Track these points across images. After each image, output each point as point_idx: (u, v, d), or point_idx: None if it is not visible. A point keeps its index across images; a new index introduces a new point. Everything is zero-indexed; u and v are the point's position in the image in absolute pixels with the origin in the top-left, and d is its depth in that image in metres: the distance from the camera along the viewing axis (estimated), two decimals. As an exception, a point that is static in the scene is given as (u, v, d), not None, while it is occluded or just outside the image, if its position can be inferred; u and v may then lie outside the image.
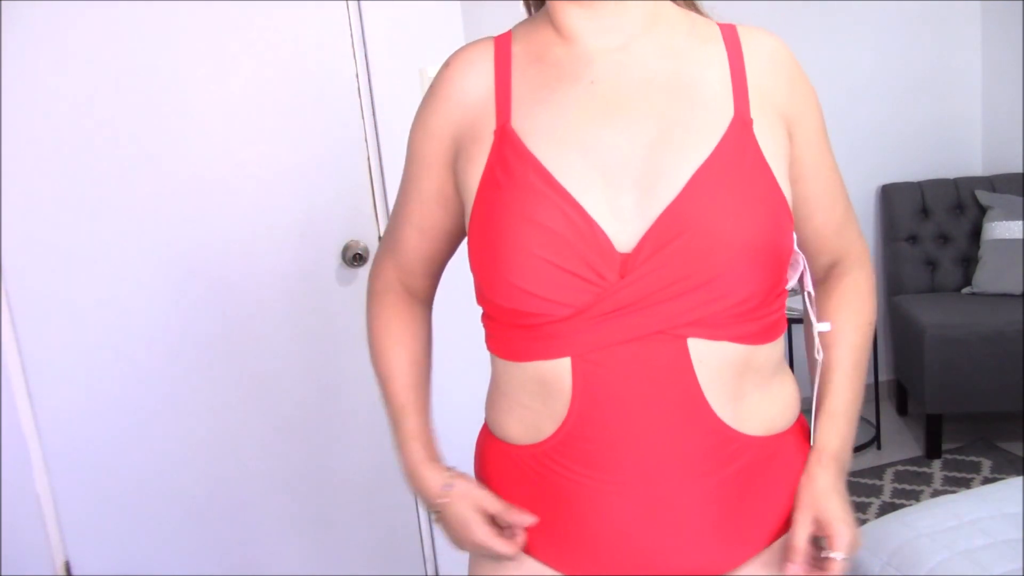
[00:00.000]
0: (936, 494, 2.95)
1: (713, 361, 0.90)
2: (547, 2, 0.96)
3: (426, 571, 2.36)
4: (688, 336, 0.89)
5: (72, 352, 2.07)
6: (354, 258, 2.19)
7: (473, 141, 0.95)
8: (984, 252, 3.37)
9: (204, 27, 2.04)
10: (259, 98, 2.11)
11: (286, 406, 2.24)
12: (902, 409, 3.63)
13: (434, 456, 1.07)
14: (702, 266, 0.86)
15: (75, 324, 2.06)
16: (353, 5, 2.13)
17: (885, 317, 3.71)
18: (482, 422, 1.08)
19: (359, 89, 2.16)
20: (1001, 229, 3.36)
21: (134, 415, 2.13)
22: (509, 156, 0.91)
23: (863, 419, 3.52)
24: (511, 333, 0.94)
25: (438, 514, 1.04)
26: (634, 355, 0.89)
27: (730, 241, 0.86)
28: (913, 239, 3.55)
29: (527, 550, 1.00)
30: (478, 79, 0.97)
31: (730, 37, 0.97)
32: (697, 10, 1.03)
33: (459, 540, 1.03)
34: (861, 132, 3.63)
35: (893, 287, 3.59)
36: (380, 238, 2.22)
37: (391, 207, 2.20)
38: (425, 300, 1.13)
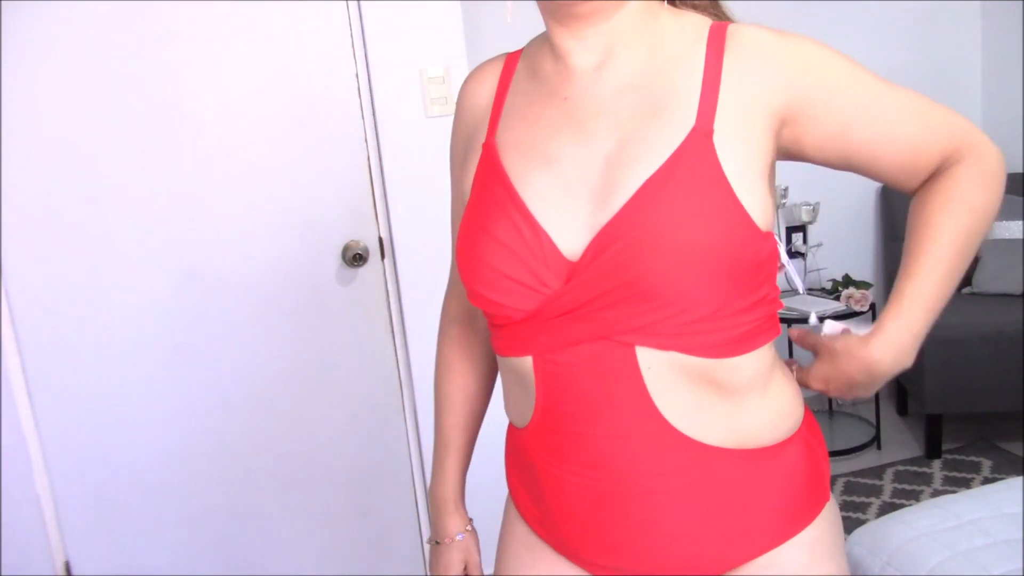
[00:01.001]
0: (936, 494, 2.95)
1: (662, 370, 0.90)
2: (542, 17, 0.98)
3: (425, 570, 2.36)
4: (635, 344, 0.89)
5: (72, 352, 2.07)
6: (354, 258, 2.19)
7: (470, 153, 1.02)
8: (984, 252, 3.37)
9: (204, 27, 2.04)
10: (259, 98, 2.11)
11: (286, 406, 2.24)
12: (902, 409, 3.63)
13: (461, 497, 1.19)
14: (644, 272, 0.85)
15: (75, 324, 2.06)
16: (353, 5, 2.13)
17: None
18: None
19: (359, 89, 2.16)
20: (1001, 229, 3.36)
21: (134, 415, 2.13)
22: (486, 170, 0.98)
23: (863, 419, 3.52)
24: (492, 331, 1.01)
25: (438, 545, 1.18)
26: (587, 356, 0.92)
27: (670, 248, 0.85)
28: (913, 239, 3.54)
29: (528, 521, 1.09)
30: (483, 93, 1.04)
31: (716, 40, 0.93)
32: (719, 10, 1.03)
33: (436, 571, 1.19)
34: (861, 132, 3.62)
35: (893, 287, 3.58)
36: (380, 238, 2.22)
37: (391, 207, 2.21)
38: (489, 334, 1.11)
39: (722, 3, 1.04)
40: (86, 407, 2.09)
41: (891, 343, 0.96)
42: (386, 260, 2.25)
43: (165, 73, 2.04)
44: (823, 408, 3.69)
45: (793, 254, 3.55)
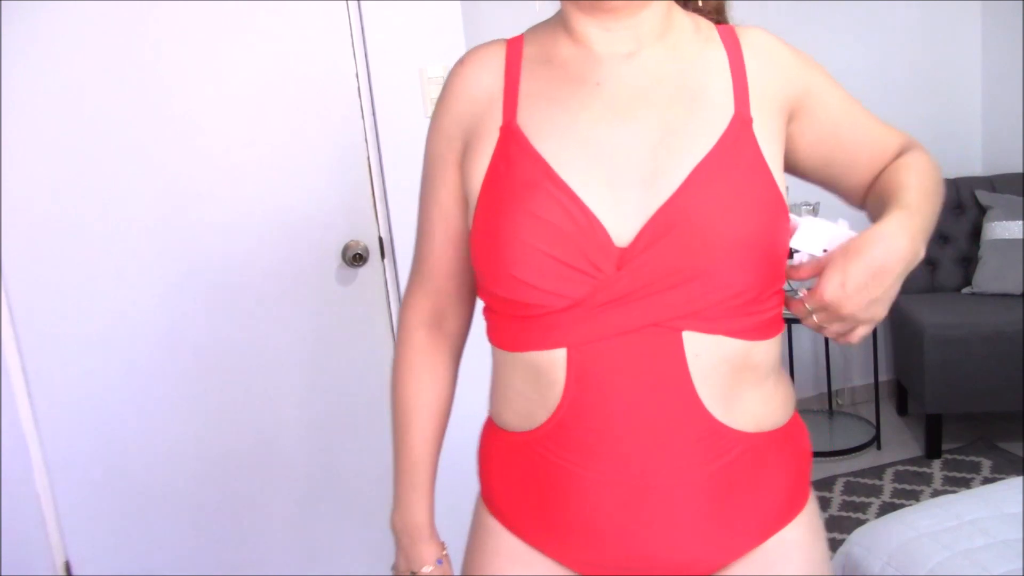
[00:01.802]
0: (936, 494, 2.95)
1: (708, 355, 0.92)
2: (563, 5, 0.98)
3: (426, 571, 2.36)
4: (683, 329, 0.90)
5: (72, 352, 2.07)
6: (354, 258, 2.19)
7: (479, 137, 0.97)
8: (984, 252, 3.37)
9: (204, 27, 2.04)
10: (259, 98, 2.11)
11: (286, 406, 2.24)
12: (902, 409, 3.63)
13: (433, 521, 1.12)
14: (696, 258, 0.88)
15: (75, 324, 2.06)
16: (353, 5, 2.13)
17: (885, 317, 3.71)
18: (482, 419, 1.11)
19: (359, 89, 2.16)
20: (1001, 229, 3.36)
21: (134, 415, 2.13)
22: (513, 151, 0.94)
23: (863, 419, 3.52)
24: (510, 323, 0.96)
25: (407, 570, 1.11)
26: (628, 347, 0.91)
27: (724, 234, 0.88)
28: (913, 239, 3.54)
29: (517, 532, 1.03)
30: (488, 77, 0.99)
31: (729, 38, 1.00)
32: (722, 13, 1.07)
33: None
34: (861, 132, 3.62)
35: (893, 287, 3.59)
36: (380, 238, 2.22)
37: (391, 207, 2.21)
38: (457, 340, 1.12)
39: (726, 7, 1.08)
40: (86, 407, 2.09)
41: (904, 225, 0.90)
42: (386, 260, 2.25)
43: (165, 73, 2.04)
44: (823, 408, 3.69)
45: (793, 254, 3.54)
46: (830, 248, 0.93)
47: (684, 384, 0.92)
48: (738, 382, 0.94)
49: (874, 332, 3.41)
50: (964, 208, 3.54)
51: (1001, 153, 3.72)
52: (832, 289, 0.86)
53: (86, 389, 2.09)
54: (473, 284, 1.08)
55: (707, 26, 1.01)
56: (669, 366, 0.91)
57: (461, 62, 1.03)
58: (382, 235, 2.23)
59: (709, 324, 0.91)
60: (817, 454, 3.29)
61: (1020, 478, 1.94)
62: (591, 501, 0.96)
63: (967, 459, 3.18)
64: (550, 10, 1.04)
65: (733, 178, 0.91)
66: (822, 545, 1.05)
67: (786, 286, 1.01)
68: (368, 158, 2.19)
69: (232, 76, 2.07)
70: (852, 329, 0.91)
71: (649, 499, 0.94)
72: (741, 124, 0.94)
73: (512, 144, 0.94)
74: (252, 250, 2.15)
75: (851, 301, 0.87)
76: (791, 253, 0.97)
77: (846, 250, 0.88)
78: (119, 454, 2.13)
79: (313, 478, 2.28)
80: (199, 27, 2.04)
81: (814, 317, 0.89)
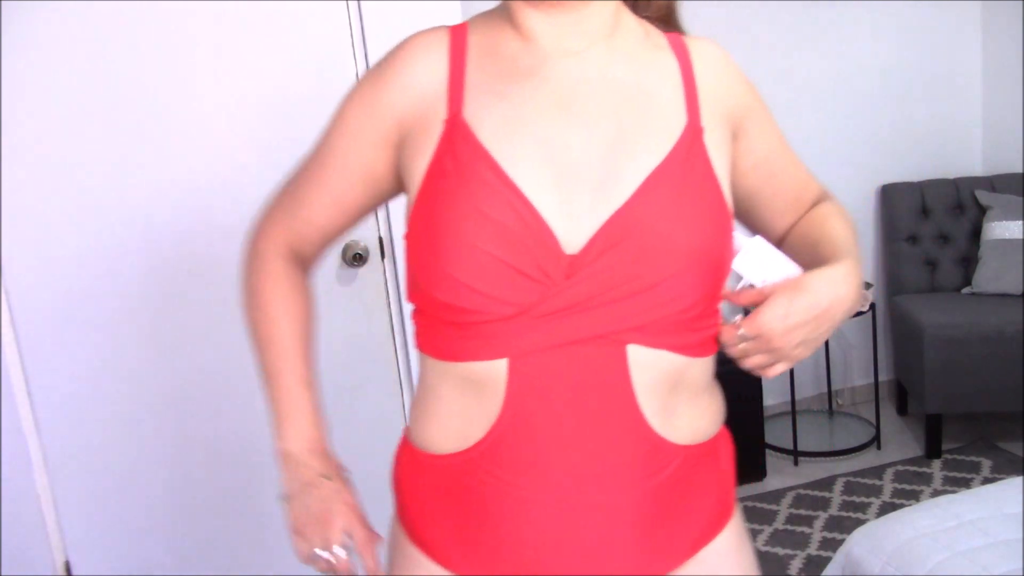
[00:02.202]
0: (936, 494, 2.95)
1: (650, 369, 0.90)
2: (506, 1, 0.95)
3: (426, 571, 2.36)
4: (628, 342, 0.88)
5: (72, 352, 2.07)
6: (354, 258, 2.19)
7: (422, 130, 0.93)
8: (984, 252, 3.37)
9: (204, 27, 2.04)
10: (259, 98, 2.11)
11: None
12: (902, 409, 3.63)
13: (326, 437, 1.04)
14: (647, 270, 0.87)
15: (75, 324, 2.06)
16: (353, 5, 2.13)
17: (885, 317, 3.71)
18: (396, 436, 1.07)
19: (359, 89, 2.16)
20: (1001, 229, 3.36)
21: (134, 415, 2.13)
22: (459, 147, 0.89)
23: (863, 419, 3.52)
24: (447, 331, 0.91)
25: (321, 482, 0.99)
26: (572, 359, 0.88)
27: (677, 247, 0.87)
28: (913, 239, 3.55)
29: (444, 562, 0.98)
30: (432, 66, 0.94)
31: (679, 47, 0.98)
32: (671, 18, 1.04)
33: (310, 524, 0.98)
34: (861, 132, 3.63)
35: (893, 287, 3.59)
36: (380, 238, 2.22)
37: (391, 207, 2.21)
38: (311, 269, 1.08)
39: (677, 16, 1.05)
40: (86, 407, 2.09)
41: (851, 274, 0.94)
42: (386, 260, 2.25)
43: (165, 73, 2.04)
44: (823, 408, 3.69)
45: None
46: (770, 279, 0.95)
47: (627, 398, 0.90)
48: (677, 397, 0.93)
49: (874, 332, 3.41)
50: (964, 208, 3.54)
51: (1001, 153, 3.72)
52: (773, 320, 0.88)
53: (86, 389, 2.09)
54: (340, 238, 1.05)
55: (655, 32, 0.99)
56: (612, 379, 0.89)
57: (403, 47, 0.97)
58: (382, 235, 2.23)
59: (654, 338, 0.89)
60: (817, 454, 3.29)
61: (1020, 478, 1.94)
62: (527, 522, 0.92)
63: (967, 459, 3.18)
64: None
65: (686, 189, 0.89)
66: (750, 549, 1.07)
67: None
68: (368, 158, 2.19)
69: (232, 76, 2.07)
70: (771, 364, 0.93)
71: (589, 515, 0.92)
72: (693, 134, 0.92)
73: (458, 139, 0.89)
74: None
75: (786, 336, 0.89)
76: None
77: (795, 285, 0.90)
78: (119, 454, 2.13)
79: (313, 478, 2.28)
80: (199, 27, 2.04)
81: (741, 345, 0.90)
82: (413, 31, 1.00)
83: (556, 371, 0.88)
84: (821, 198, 1.10)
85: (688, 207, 0.89)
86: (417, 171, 0.92)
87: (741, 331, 0.89)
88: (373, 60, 2.14)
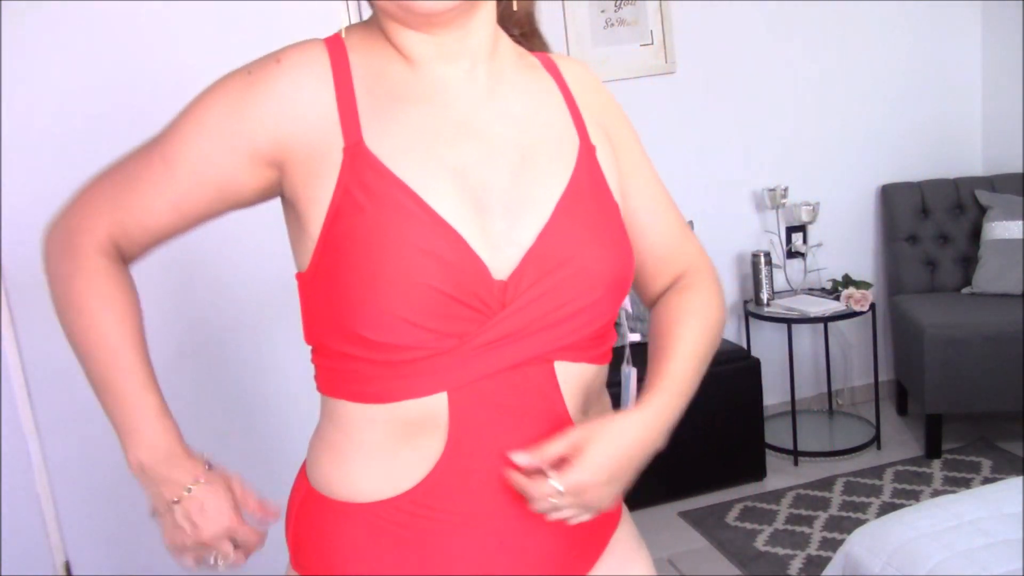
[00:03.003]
0: (936, 494, 2.95)
1: (574, 382, 0.91)
2: (381, 19, 0.90)
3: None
4: (555, 360, 0.89)
5: (72, 352, 2.07)
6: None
7: (313, 157, 0.85)
8: (984, 252, 3.37)
9: (204, 27, 2.05)
10: (259, 98, 2.11)
11: (286, 406, 2.24)
12: (902, 409, 3.63)
13: (181, 436, 0.96)
14: (575, 297, 0.88)
15: (75, 324, 2.06)
16: (353, 5, 2.13)
17: (885, 317, 3.71)
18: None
19: (359, 89, 2.17)
20: (1001, 229, 3.36)
21: (134, 415, 2.13)
22: (368, 177, 0.83)
23: (863, 419, 3.52)
24: (373, 371, 0.86)
25: (186, 499, 0.94)
26: (507, 382, 0.87)
27: (598, 273, 0.88)
28: (913, 239, 3.55)
29: None
30: (315, 86, 0.87)
31: (550, 66, 0.98)
32: (534, 37, 1.02)
33: (204, 531, 0.93)
34: (861, 132, 3.63)
35: (893, 287, 3.59)
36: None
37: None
38: (130, 265, 0.98)
39: (538, 30, 1.03)
40: (86, 407, 2.09)
41: (659, 415, 0.92)
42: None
43: (164, 73, 2.04)
44: (823, 408, 3.69)
45: (793, 254, 3.55)
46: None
47: (559, 410, 0.90)
48: (590, 402, 0.95)
49: (874, 332, 3.41)
50: (964, 208, 3.54)
51: (1001, 153, 3.72)
52: (588, 475, 0.86)
53: (86, 389, 2.08)
54: (159, 245, 0.95)
55: (525, 52, 0.98)
56: (544, 396, 0.89)
57: (280, 60, 0.88)
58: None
59: (576, 354, 0.90)
60: (817, 454, 3.29)
61: (1020, 478, 1.94)
62: (477, 550, 0.90)
63: (967, 459, 3.18)
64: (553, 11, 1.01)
65: (593, 210, 0.90)
66: (635, 528, 1.07)
67: None
68: (368, 158, 2.20)
69: (232, 76, 2.07)
70: (579, 516, 0.89)
71: (533, 533, 0.91)
72: (588, 153, 0.93)
73: (365, 168, 0.83)
74: (253, 251, 2.15)
75: (599, 490, 0.87)
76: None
77: (608, 437, 0.87)
78: (119, 454, 2.12)
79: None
80: (199, 27, 2.04)
81: (553, 501, 0.86)
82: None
83: (494, 396, 0.87)
84: (699, 268, 1.04)
85: (599, 231, 0.90)
86: (316, 202, 0.85)
87: (556, 484, 0.85)
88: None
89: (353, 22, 2.14)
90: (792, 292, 3.47)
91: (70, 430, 2.09)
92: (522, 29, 0.99)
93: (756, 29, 3.41)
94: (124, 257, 0.94)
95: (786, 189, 3.39)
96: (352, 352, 0.86)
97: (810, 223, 3.48)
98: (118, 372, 0.93)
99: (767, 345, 3.53)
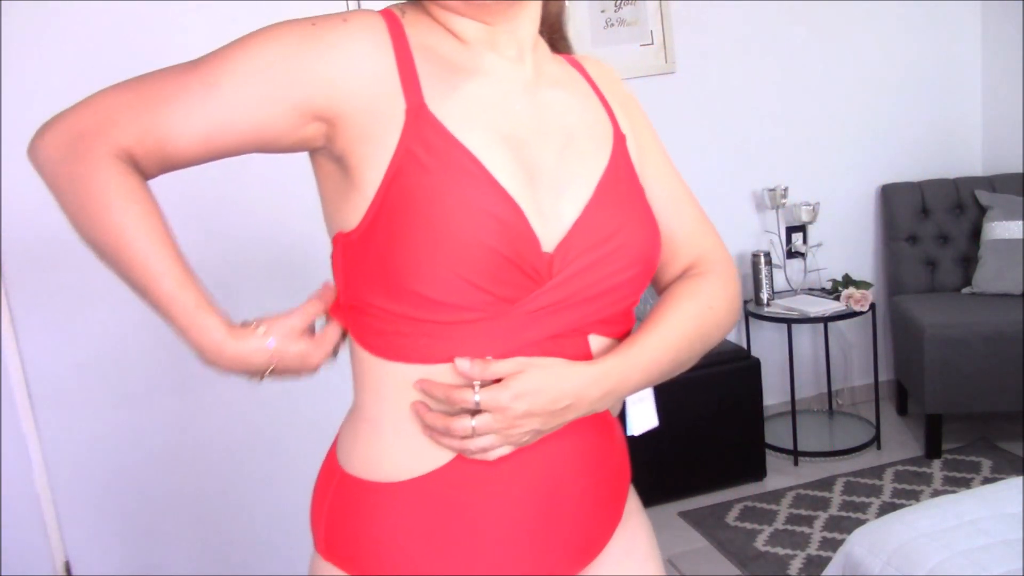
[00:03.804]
0: (936, 494, 2.95)
1: (603, 355, 0.94)
2: (430, 7, 0.92)
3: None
4: (589, 333, 0.92)
5: (72, 353, 2.07)
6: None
7: (372, 116, 0.86)
8: (984, 252, 3.37)
9: (204, 27, 2.05)
10: (259, 98, 2.11)
11: (286, 405, 2.24)
12: (902, 409, 3.63)
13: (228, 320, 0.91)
14: (615, 272, 0.91)
15: (74, 325, 2.06)
16: (353, 5, 2.13)
17: (885, 317, 3.71)
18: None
19: (359, 89, 2.17)
20: (1001, 229, 3.36)
21: (134, 416, 2.13)
22: (432, 139, 0.85)
23: (863, 419, 3.52)
24: (419, 330, 0.86)
25: (271, 372, 0.92)
26: (545, 353, 0.89)
27: (636, 250, 0.93)
28: (913, 239, 3.55)
29: None
30: (378, 49, 0.87)
31: (576, 65, 1.03)
32: (564, 40, 1.06)
33: (300, 373, 0.93)
34: (861, 132, 3.63)
35: (893, 287, 3.59)
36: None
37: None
38: None
39: (568, 41, 1.08)
40: (86, 408, 2.09)
41: (607, 375, 0.90)
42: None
43: (165, 73, 2.04)
44: (823, 408, 3.69)
45: (793, 254, 3.55)
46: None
47: None
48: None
49: (874, 332, 3.41)
50: (964, 208, 3.54)
51: (1001, 153, 3.72)
52: (513, 400, 0.85)
53: (86, 390, 2.09)
54: (171, 171, 0.92)
55: (553, 53, 1.02)
56: None
57: (344, 19, 0.88)
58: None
59: (608, 328, 0.94)
60: (817, 454, 3.29)
61: (1020, 478, 1.94)
62: (513, 522, 0.91)
63: (967, 459, 3.18)
64: None
65: (628, 191, 0.96)
66: (638, 501, 1.10)
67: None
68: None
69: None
70: (495, 447, 0.87)
71: (563, 506, 0.93)
72: (620, 140, 0.98)
73: (429, 131, 0.85)
74: (252, 250, 2.15)
75: (520, 420, 0.86)
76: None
77: (545, 371, 0.86)
78: (119, 454, 2.13)
79: (313, 478, 2.28)
80: (199, 27, 2.04)
81: (473, 421, 0.85)
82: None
83: None
84: (715, 260, 1.04)
85: (635, 211, 0.95)
86: (373, 162, 0.85)
87: (477, 397, 0.85)
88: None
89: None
90: (792, 292, 3.47)
91: (70, 430, 2.09)
92: (552, 32, 1.03)
93: (756, 29, 3.41)
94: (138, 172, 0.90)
95: (786, 189, 3.39)
96: (403, 311, 0.86)
97: (810, 223, 3.48)
98: (152, 274, 0.89)
99: (767, 345, 3.53)
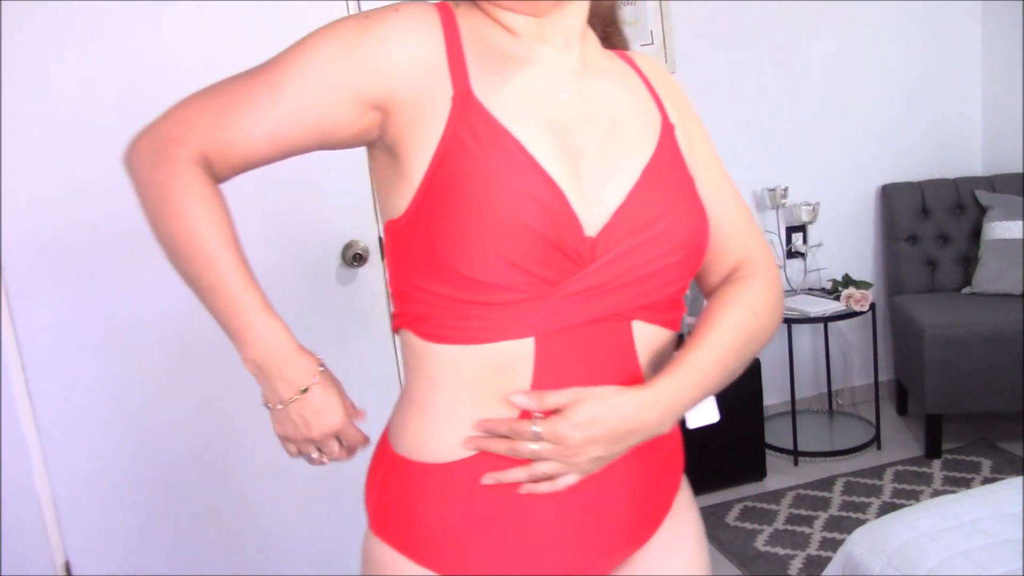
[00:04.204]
0: (936, 494, 2.95)
1: (649, 344, 0.95)
2: (480, 3, 0.95)
3: (426, 571, 2.36)
4: (633, 319, 0.93)
5: (72, 352, 2.07)
6: (354, 258, 2.19)
7: (421, 103, 0.89)
8: (984, 252, 3.37)
9: (205, 27, 2.05)
10: (259, 98, 2.11)
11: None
12: (902, 409, 3.63)
13: (289, 333, 0.96)
14: (658, 256, 0.92)
15: (75, 324, 2.06)
16: (353, 5, 2.13)
17: (885, 317, 3.71)
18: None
19: (359, 89, 2.17)
20: (1001, 229, 3.36)
21: (134, 415, 2.13)
22: (476, 124, 0.88)
23: (863, 419, 3.52)
24: (466, 312, 0.88)
25: (301, 399, 0.95)
26: (588, 336, 0.91)
27: (680, 234, 0.94)
28: (913, 239, 3.55)
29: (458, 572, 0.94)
30: (428, 37, 0.91)
31: (625, 58, 1.05)
32: (616, 35, 1.08)
33: (315, 430, 0.96)
34: (862, 132, 3.63)
35: (893, 287, 3.59)
36: (380, 238, 2.22)
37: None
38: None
39: (624, 36, 1.10)
40: (86, 407, 2.09)
41: (659, 398, 0.91)
42: (386, 260, 2.25)
43: (165, 73, 2.04)
44: (823, 408, 3.69)
45: (793, 254, 3.55)
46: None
47: (634, 370, 0.94)
48: (660, 368, 0.97)
49: (874, 332, 3.41)
50: (964, 208, 3.54)
51: (1001, 153, 3.72)
52: (574, 429, 0.88)
53: (86, 389, 2.09)
54: (244, 171, 0.98)
55: (601, 46, 1.04)
56: (620, 354, 0.93)
57: (397, 10, 0.92)
58: (382, 235, 2.23)
59: (653, 315, 0.95)
60: (817, 454, 3.29)
61: (1020, 478, 1.94)
62: (551, 504, 0.92)
63: (967, 459, 3.18)
64: None
65: (674, 179, 0.97)
66: (691, 495, 1.10)
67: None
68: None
69: (232, 76, 2.07)
70: (560, 475, 0.91)
71: (607, 492, 0.95)
72: (668, 130, 1.00)
73: (473, 116, 0.88)
74: (252, 250, 2.15)
75: (583, 448, 0.89)
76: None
77: (604, 401, 0.89)
78: (119, 454, 2.13)
79: (313, 477, 2.28)
80: (200, 27, 2.04)
81: (534, 446, 0.89)
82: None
83: (575, 348, 0.91)
84: (758, 262, 1.05)
85: (681, 197, 0.96)
86: (421, 147, 0.88)
87: (536, 428, 0.88)
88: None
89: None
90: (792, 292, 3.47)
91: (70, 430, 2.09)
92: (606, 26, 1.06)
93: (756, 29, 3.41)
94: (214, 176, 0.96)
95: (786, 189, 3.39)
96: (448, 293, 0.89)
97: (810, 223, 3.48)
98: (219, 273, 0.93)
99: (767, 345, 3.53)
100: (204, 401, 2.18)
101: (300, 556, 2.30)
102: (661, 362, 0.97)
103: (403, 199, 0.90)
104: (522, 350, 0.89)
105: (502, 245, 0.85)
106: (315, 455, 0.99)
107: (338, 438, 0.99)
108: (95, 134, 2.02)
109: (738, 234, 1.05)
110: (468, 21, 0.95)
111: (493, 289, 0.87)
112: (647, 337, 0.95)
